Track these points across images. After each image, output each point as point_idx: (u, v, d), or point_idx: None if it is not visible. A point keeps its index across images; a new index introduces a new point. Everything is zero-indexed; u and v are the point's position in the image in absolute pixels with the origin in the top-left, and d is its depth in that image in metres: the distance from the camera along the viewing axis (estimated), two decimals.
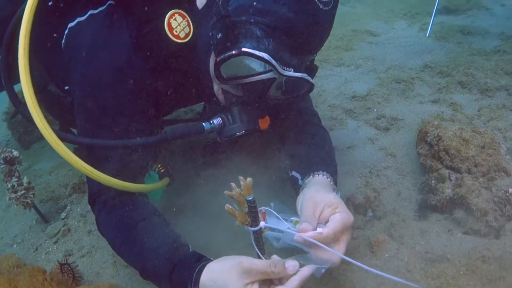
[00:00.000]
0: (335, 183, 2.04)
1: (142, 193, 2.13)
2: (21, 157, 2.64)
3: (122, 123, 1.97)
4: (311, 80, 1.81)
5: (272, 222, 1.69)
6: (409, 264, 1.92)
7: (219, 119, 1.95)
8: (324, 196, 1.76)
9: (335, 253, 1.61)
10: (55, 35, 2.13)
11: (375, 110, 3.18)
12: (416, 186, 2.36)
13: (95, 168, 1.85)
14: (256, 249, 1.63)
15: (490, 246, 1.88)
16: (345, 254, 1.62)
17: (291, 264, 1.55)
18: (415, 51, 4.20)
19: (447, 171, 2.16)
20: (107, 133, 1.96)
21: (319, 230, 1.62)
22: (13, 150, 2.59)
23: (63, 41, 2.10)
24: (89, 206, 2.65)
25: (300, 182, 2.05)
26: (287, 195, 2.23)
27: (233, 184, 1.60)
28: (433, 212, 2.18)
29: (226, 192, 1.60)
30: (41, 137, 1.76)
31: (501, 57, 3.88)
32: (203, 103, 2.50)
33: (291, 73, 1.73)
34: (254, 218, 1.54)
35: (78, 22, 2.04)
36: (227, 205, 1.58)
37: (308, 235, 1.59)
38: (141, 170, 2.14)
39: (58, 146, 1.78)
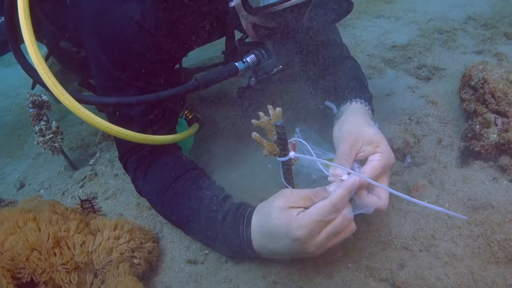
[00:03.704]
0: (373, 111, 1.91)
1: (176, 146, 2.06)
2: (51, 102, 2.61)
3: (143, 78, 1.86)
4: None
5: (303, 160, 1.58)
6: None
7: (253, 56, 1.82)
8: (363, 132, 1.62)
9: (383, 187, 1.51)
10: None
11: (415, 59, 3.02)
12: (458, 134, 2.23)
13: (122, 126, 1.77)
14: (284, 182, 1.53)
15: None
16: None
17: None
18: (458, 4, 3.98)
19: (493, 115, 2.02)
20: (129, 90, 1.86)
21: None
22: (42, 95, 2.55)
23: None
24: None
25: (335, 111, 1.92)
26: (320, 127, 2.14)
27: (261, 113, 1.48)
28: (477, 160, 2.05)
29: (253, 120, 1.49)
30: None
31: None
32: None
33: None
34: (283, 147, 1.43)
35: None
36: (254, 133, 1.46)
37: (339, 177, 1.47)
38: (171, 121, 2.05)
39: (77, 110, 1.70)
